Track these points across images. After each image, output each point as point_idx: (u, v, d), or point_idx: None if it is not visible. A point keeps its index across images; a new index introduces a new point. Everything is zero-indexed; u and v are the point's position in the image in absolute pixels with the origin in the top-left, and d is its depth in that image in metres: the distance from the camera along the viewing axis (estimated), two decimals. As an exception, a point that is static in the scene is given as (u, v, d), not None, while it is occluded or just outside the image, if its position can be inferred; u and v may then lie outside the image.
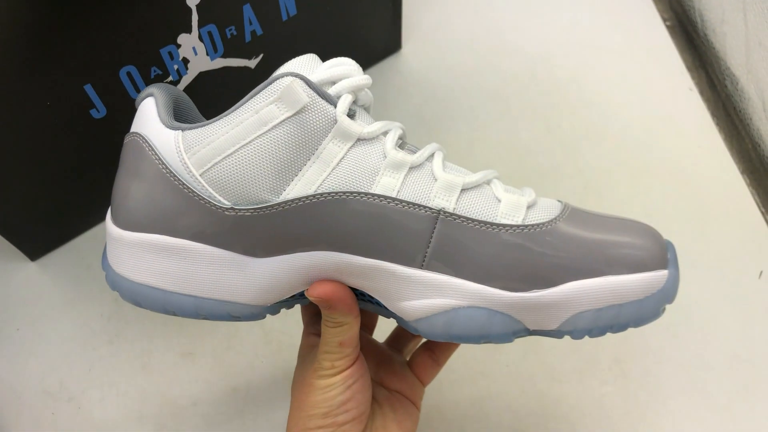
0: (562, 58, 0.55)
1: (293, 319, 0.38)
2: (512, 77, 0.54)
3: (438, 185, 0.29)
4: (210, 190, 0.29)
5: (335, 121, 0.28)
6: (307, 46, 0.39)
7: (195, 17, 0.38)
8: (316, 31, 0.46)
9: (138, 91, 0.39)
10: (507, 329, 0.29)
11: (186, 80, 0.41)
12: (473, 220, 0.29)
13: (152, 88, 0.31)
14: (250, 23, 0.41)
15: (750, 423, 0.40)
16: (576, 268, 0.28)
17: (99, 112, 0.39)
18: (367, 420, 0.33)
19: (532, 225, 0.29)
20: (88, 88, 0.37)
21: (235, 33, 0.41)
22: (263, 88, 0.28)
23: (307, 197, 0.29)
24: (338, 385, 0.31)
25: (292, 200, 0.29)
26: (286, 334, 0.43)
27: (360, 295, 0.32)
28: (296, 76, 0.28)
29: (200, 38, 0.39)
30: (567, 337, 0.30)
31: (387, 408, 0.34)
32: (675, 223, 0.47)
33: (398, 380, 0.36)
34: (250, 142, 0.28)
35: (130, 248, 0.30)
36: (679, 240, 0.47)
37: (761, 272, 0.44)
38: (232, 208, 0.29)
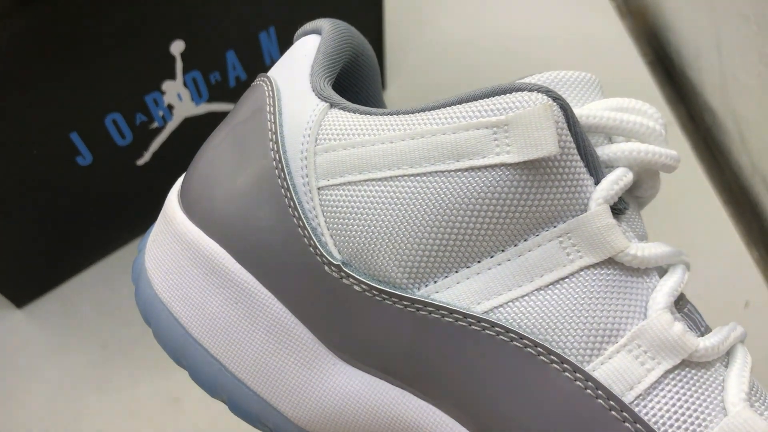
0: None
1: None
2: (495, 115, 0.55)
3: (727, 426, 0.16)
4: (320, 219, 0.17)
5: (584, 209, 0.16)
6: (291, 90, 0.40)
7: (179, 64, 0.39)
8: (300, 74, 0.46)
9: (123, 137, 0.40)
10: None
11: (171, 126, 0.42)
12: None
13: (325, 23, 0.19)
14: (234, 69, 0.42)
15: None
16: None
17: (85, 159, 0.39)
18: None
19: None
20: (74, 136, 0.38)
21: (219, 79, 0.41)
22: (486, 95, 0.16)
23: (466, 317, 0.16)
24: None
25: (438, 308, 0.16)
26: (275, 376, 0.43)
27: None
28: (556, 98, 0.16)
29: (185, 85, 0.40)
30: None
31: None
32: (660, 255, 0.47)
33: None
34: (419, 174, 0.16)
35: (174, 242, 0.19)
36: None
37: (747, 302, 0.45)
38: (339, 267, 0.17)
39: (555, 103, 0.16)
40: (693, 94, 0.55)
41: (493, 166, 0.16)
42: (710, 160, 0.53)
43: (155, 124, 0.41)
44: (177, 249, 0.19)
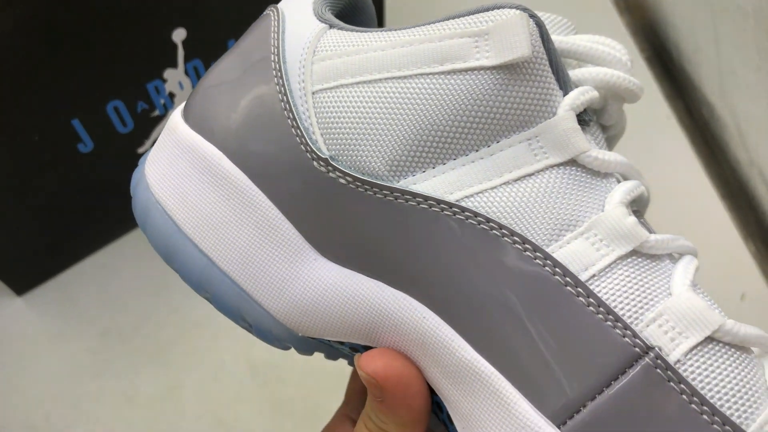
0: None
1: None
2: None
3: (671, 306, 0.18)
4: (313, 119, 0.19)
5: (552, 114, 0.18)
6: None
7: (181, 53, 0.39)
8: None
9: (124, 124, 0.40)
10: None
11: (172, 114, 0.42)
12: (704, 402, 0.17)
13: None
14: (235, 58, 0.42)
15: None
16: None
17: (86, 146, 0.39)
18: None
19: None
20: (76, 123, 0.38)
21: (220, 68, 0.42)
22: (470, 13, 0.18)
23: (439, 202, 0.18)
24: None
25: (415, 195, 0.18)
26: (273, 366, 0.43)
27: (438, 405, 0.20)
28: (532, 15, 0.18)
29: (186, 73, 0.40)
30: None
31: None
32: (657, 248, 0.48)
33: None
34: (405, 77, 0.18)
35: (174, 147, 0.20)
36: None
37: (743, 294, 0.45)
38: (326, 161, 0.19)
39: (529, 17, 0.18)
40: (691, 89, 0.55)
41: (472, 69, 0.18)
42: (708, 154, 0.53)
43: (156, 112, 0.41)
44: (176, 153, 0.20)
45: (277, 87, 0.19)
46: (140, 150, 0.42)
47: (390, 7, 0.51)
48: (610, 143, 0.23)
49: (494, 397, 0.17)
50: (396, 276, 0.19)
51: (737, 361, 0.18)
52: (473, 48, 0.18)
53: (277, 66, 0.19)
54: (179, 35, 0.38)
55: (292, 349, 0.22)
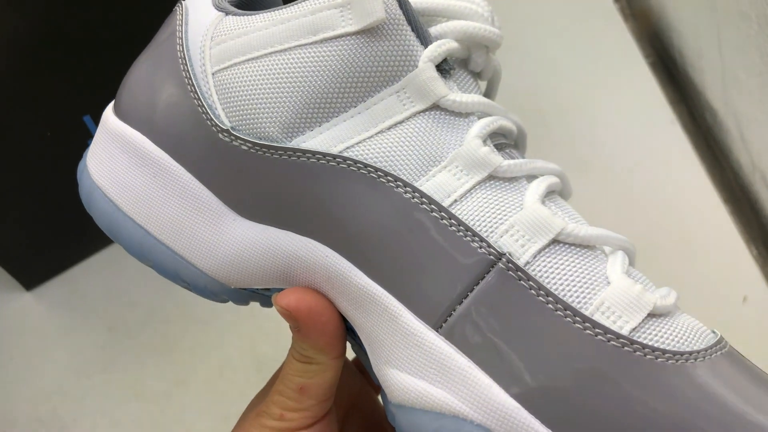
0: (547, 93, 0.57)
1: (288, 346, 0.38)
2: (499, 112, 0.56)
3: (520, 218, 0.20)
4: (215, 96, 0.22)
5: (414, 67, 0.20)
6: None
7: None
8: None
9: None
10: None
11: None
12: (549, 293, 0.19)
13: None
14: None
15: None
16: None
17: (97, 142, 0.40)
18: None
19: (644, 345, 0.18)
20: (87, 119, 0.38)
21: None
22: None
23: (325, 155, 0.21)
24: None
25: (305, 151, 0.21)
26: (279, 361, 0.43)
27: (352, 331, 0.23)
28: None
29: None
30: None
31: None
32: (660, 250, 0.48)
33: None
34: (286, 50, 0.21)
35: (107, 137, 0.24)
36: (664, 267, 0.48)
37: (745, 297, 0.45)
38: (228, 132, 0.21)
39: None
40: (694, 94, 0.55)
41: (340, 36, 0.20)
42: (711, 159, 0.54)
43: (166, 111, 0.41)
44: (109, 142, 0.23)
45: (184, 72, 0.22)
46: (150, 147, 0.42)
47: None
48: (492, 88, 0.26)
49: (385, 313, 0.20)
50: (300, 224, 0.21)
51: (580, 258, 0.20)
52: (339, 17, 0.20)
53: (182, 54, 0.23)
54: (190, 34, 0.39)
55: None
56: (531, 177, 0.22)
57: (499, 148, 0.22)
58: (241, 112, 0.21)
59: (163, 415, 0.41)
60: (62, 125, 0.38)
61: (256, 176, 0.21)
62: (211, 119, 0.22)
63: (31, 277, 0.46)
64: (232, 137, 0.21)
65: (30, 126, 0.37)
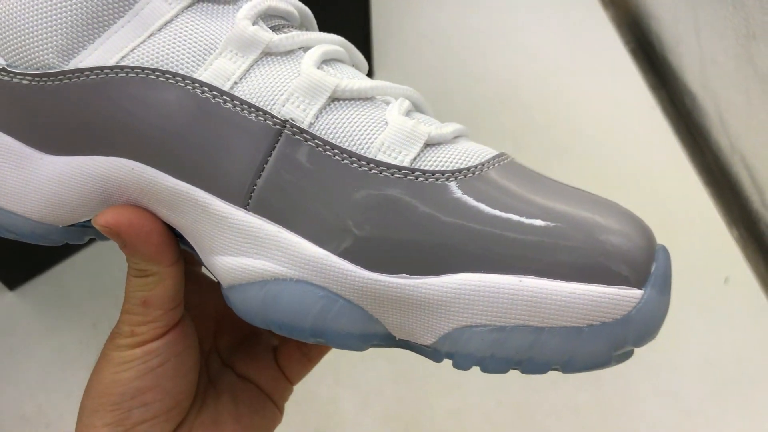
0: (529, 81, 0.57)
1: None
2: (481, 100, 0.56)
3: (298, 84, 0.21)
4: None
5: None
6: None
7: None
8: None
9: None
10: (355, 328, 0.20)
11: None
12: (334, 147, 0.20)
13: None
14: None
15: (720, 424, 0.40)
16: (478, 251, 0.19)
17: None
18: (184, 414, 0.24)
19: (424, 171, 0.20)
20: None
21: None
22: None
23: (103, 69, 0.20)
24: (137, 363, 0.22)
25: (84, 70, 0.21)
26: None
27: (180, 237, 0.23)
28: None
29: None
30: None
31: (227, 398, 0.26)
32: (642, 234, 0.48)
33: (256, 367, 0.27)
34: None
35: None
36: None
37: (726, 278, 0.46)
38: (5, 70, 0.21)
39: None
40: (674, 79, 0.56)
41: None
42: (691, 143, 0.54)
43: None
44: None
45: None
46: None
47: (377, 54, 0.52)
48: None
49: (197, 207, 0.21)
50: (100, 145, 0.21)
51: (359, 110, 0.21)
52: None
53: None
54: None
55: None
56: (307, 48, 0.22)
57: (277, 29, 0.22)
58: (11, 45, 0.21)
59: (150, 410, 0.41)
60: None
61: (44, 109, 0.21)
62: None
63: (13, 277, 0.45)
64: (11, 75, 0.21)
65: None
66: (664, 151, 0.53)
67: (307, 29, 0.24)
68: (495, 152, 0.21)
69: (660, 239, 0.50)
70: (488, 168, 0.20)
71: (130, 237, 0.21)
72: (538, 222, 0.19)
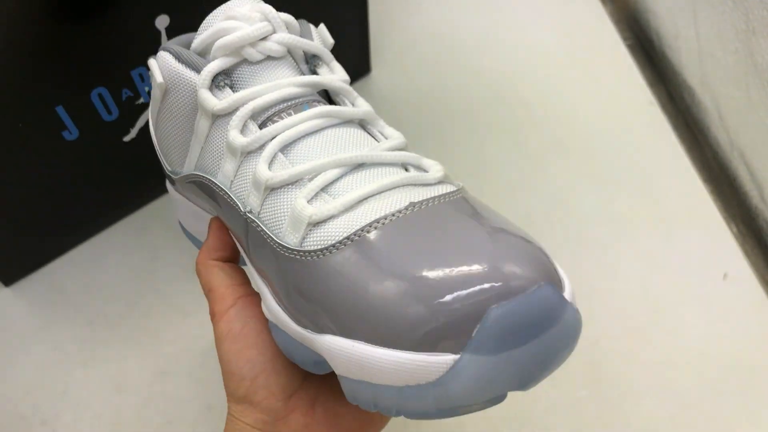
0: (527, 77, 0.57)
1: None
2: (479, 97, 0.56)
3: (252, 180, 0.25)
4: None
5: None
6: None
7: (164, 39, 0.39)
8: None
9: (109, 112, 0.40)
10: (306, 358, 0.24)
11: (157, 102, 0.42)
12: (267, 231, 0.25)
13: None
14: (219, 46, 0.42)
15: (718, 419, 0.40)
16: (333, 317, 0.22)
17: (71, 133, 0.40)
18: (291, 394, 0.27)
19: (308, 251, 0.23)
20: (60, 110, 0.38)
21: (204, 55, 0.42)
22: None
23: (188, 176, 0.28)
24: (226, 336, 0.27)
25: (185, 176, 0.29)
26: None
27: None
28: (167, 50, 0.27)
29: (170, 60, 0.40)
30: None
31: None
32: (641, 230, 0.48)
33: None
34: (156, 114, 0.28)
35: None
36: (646, 246, 0.48)
37: (725, 274, 0.45)
38: (172, 171, 0.30)
39: (164, 52, 0.27)
40: (672, 75, 0.55)
41: (163, 98, 0.28)
42: (690, 139, 0.54)
43: (141, 100, 0.41)
44: None
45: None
46: (126, 139, 0.42)
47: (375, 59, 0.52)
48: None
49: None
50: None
51: (285, 196, 0.25)
52: (157, 88, 0.27)
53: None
54: (162, 22, 0.38)
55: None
56: (270, 141, 0.26)
57: (275, 116, 0.26)
58: (168, 158, 0.29)
59: (145, 407, 0.41)
60: (35, 116, 0.38)
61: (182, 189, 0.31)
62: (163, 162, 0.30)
63: (9, 273, 0.45)
64: (174, 174, 0.30)
65: (1, 118, 0.37)
66: (663, 147, 0.52)
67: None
68: (382, 213, 0.23)
69: (659, 235, 0.50)
70: (362, 234, 0.22)
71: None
72: (372, 290, 0.21)
